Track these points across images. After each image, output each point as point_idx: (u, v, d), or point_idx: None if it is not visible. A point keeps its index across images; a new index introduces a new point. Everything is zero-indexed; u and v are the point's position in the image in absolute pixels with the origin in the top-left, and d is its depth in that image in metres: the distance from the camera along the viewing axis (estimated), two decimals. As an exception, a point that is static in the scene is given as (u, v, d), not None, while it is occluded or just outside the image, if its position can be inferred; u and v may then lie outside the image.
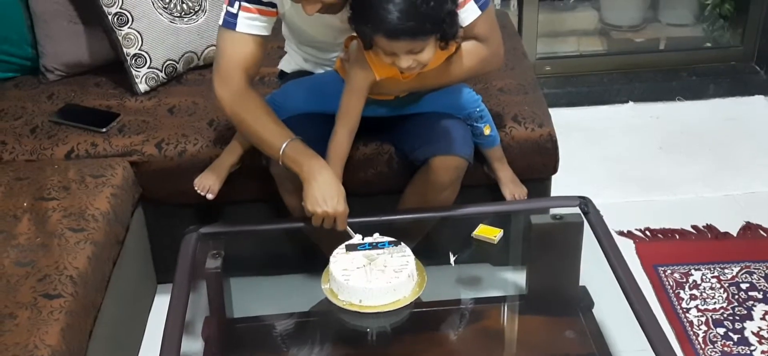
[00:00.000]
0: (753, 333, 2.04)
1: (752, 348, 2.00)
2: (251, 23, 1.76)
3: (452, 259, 1.80)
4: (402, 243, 1.71)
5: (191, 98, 2.27)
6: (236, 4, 1.75)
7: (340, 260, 1.68)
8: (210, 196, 1.95)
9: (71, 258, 1.66)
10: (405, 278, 1.64)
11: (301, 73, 2.03)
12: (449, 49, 1.76)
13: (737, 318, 2.09)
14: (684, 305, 2.14)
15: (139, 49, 2.28)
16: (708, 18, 3.56)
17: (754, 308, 2.12)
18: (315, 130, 1.83)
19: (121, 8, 2.26)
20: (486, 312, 2.00)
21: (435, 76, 1.83)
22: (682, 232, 2.44)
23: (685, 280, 2.23)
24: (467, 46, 1.82)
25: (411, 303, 1.66)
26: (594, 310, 1.89)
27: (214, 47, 2.40)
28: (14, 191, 1.88)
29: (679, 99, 3.22)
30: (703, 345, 2.01)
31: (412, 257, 1.69)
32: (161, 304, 1.98)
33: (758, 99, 3.22)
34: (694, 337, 2.04)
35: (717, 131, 3.01)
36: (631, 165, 2.80)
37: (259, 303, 1.97)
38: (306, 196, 1.73)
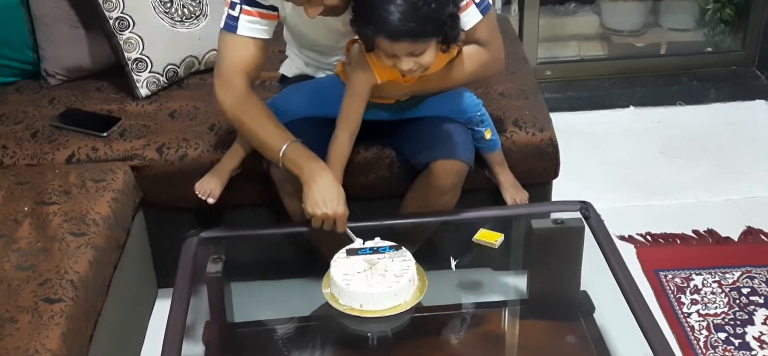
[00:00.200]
0: (754, 337, 2.04)
1: (753, 352, 2.00)
2: (252, 26, 1.76)
3: (453, 263, 1.80)
4: (403, 248, 1.71)
5: (192, 103, 2.27)
6: (237, 7, 1.75)
7: (340, 264, 1.68)
8: (211, 200, 1.95)
9: (72, 263, 1.66)
10: (406, 282, 1.64)
11: (302, 78, 2.04)
12: (451, 52, 1.76)
13: (738, 322, 2.09)
14: (685, 310, 2.14)
15: (140, 54, 2.29)
16: (709, 23, 3.57)
17: (755, 313, 2.12)
18: (316, 134, 1.83)
19: (122, 13, 2.26)
20: (487, 317, 2.00)
21: (436, 80, 1.83)
22: (683, 237, 2.43)
23: (686, 285, 2.22)
24: (468, 50, 1.82)
25: (412, 307, 1.65)
26: (595, 315, 1.89)
27: (215, 52, 2.40)
28: (15, 196, 1.89)
29: (680, 104, 3.22)
30: (704, 350, 2.01)
31: (413, 261, 1.69)
32: (162, 308, 1.98)
33: (759, 104, 3.22)
34: (695, 342, 2.03)
35: (718, 135, 3.01)
36: (632, 170, 2.80)
37: (260, 308, 1.97)
38: (306, 198, 1.74)
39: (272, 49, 2.00)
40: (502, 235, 1.82)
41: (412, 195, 1.96)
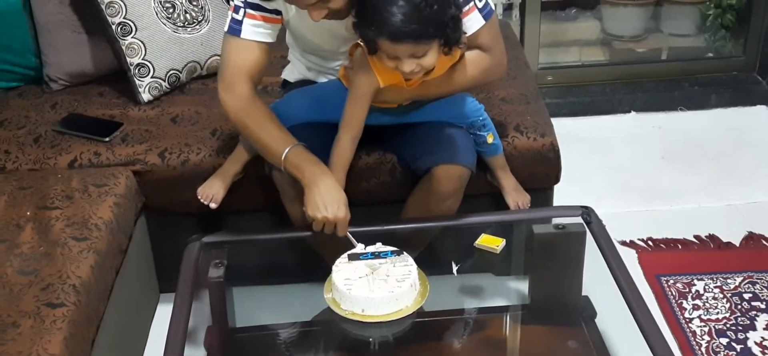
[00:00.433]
0: (756, 343, 2.04)
1: (755, 358, 2.00)
2: (256, 30, 1.77)
3: (455, 269, 1.80)
4: (404, 253, 1.71)
5: (194, 108, 2.27)
6: (241, 11, 1.76)
7: (342, 269, 1.68)
8: (213, 205, 1.95)
9: (74, 267, 1.66)
10: (407, 287, 1.64)
11: (304, 83, 2.04)
12: (453, 56, 1.77)
13: (740, 328, 2.09)
14: (687, 315, 2.14)
15: (142, 59, 2.29)
16: (710, 28, 3.57)
17: (757, 318, 2.12)
18: (318, 139, 1.83)
19: (124, 18, 2.27)
20: (488, 322, 2.00)
21: (438, 85, 1.83)
22: (685, 242, 2.43)
23: (687, 290, 2.22)
24: (471, 55, 1.83)
25: (413, 312, 1.65)
26: (596, 320, 1.89)
27: (217, 57, 2.41)
28: (17, 201, 1.89)
29: (681, 109, 3.22)
30: (706, 356, 2.01)
31: (415, 266, 1.69)
32: (164, 313, 1.98)
33: (760, 109, 3.22)
34: (697, 347, 2.03)
35: (719, 141, 3.01)
36: (633, 175, 2.80)
37: (262, 312, 1.97)
38: (307, 201, 1.74)
39: (275, 54, 2.00)
40: (504, 240, 1.82)
41: (413, 200, 1.96)
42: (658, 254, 2.39)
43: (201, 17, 2.41)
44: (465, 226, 1.92)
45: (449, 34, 1.67)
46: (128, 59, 2.29)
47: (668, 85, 3.30)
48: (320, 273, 1.74)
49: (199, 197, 1.96)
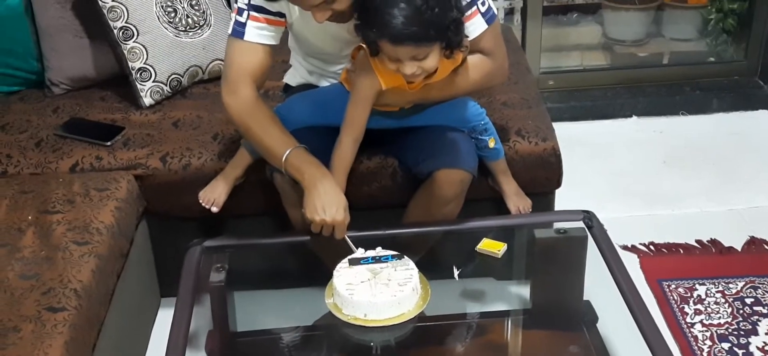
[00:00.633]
0: (758, 348, 2.03)
1: (757, 363, 2.00)
2: (259, 32, 1.77)
3: (456, 273, 1.80)
4: (405, 256, 1.71)
5: (196, 112, 2.27)
6: (245, 14, 1.76)
7: (343, 274, 1.68)
8: (215, 209, 1.96)
9: (75, 272, 1.66)
10: (409, 291, 1.64)
11: (305, 87, 2.04)
12: (455, 60, 1.77)
13: (742, 332, 2.08)
14: (688, 320, 2.13)
15: (144, 63, 2.29)
16: (711, 33, 3.57)
17: (759, 323, 2.11)
18: (319, 142, 1.83)
19: (126, 22, 2.27)
20: (490, 327, 1.99)
21: (440, 89, 1.83)
22: (687, 246, 2.43)
23: (689, 295, 2.22)
24: (473, 59, 1.83)
25: (415, 316, 1.65)
26: (598, 325, 1.89)
27: (219, 61, 2.42)
28: (19, 205, 1.89)
29: (682, 113, 3.22)
30: (707, 360, 2.00)
31: (416, 270, 1.69)
32: (165, 317, 1.98)
33: (762, 113, 3.22)
34: (698, 352, 2.03)
35: (721, 145, 3.01)
36: (634, 179, 2.80)
37: (263, 317, 1.97)
38: (306, 203, 1.74)
39: (276, 58, 2.01)
40: (505, 245, 1.82)
41: (414, 204, 1.96)
42: (659, 258, 2.39)
43: (202, 21, 2.41)
44: (466, 230, 1.91)
45: (451, 38, 1.67)
46: (130, 63, 2.29)
47: (670, 89, 3.30)
48: (321, 277, 1.74)
49: (200, 201, 1.96)
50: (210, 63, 2.42)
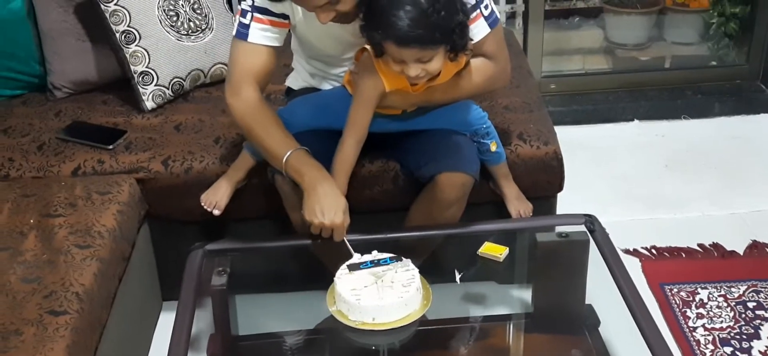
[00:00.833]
0: (760, 352, 2.03)
1: (760, 367, 1.99)
2: (263, 34, 1.78)
3: (458, 277, 1.79)
4: (403, 258, 1.71)
5: (198, 116, 2.27)
6: (249, 16, 1.77)
7: (345, 280, 1.67)
8: (216, 212, 1.96)
9: (77, 275, 1.66)
10: (414, 291, 1.64)
11: (308, 91, 2.04)
12: (459, 63, 1.77)
13: (744, 337, 2.08)
14: (691, 324, 2.13)
15: (146, 67, 2.30)
16: (713, 37, 3.57)
17: (761, 327, 2.11)
18: (321, 145, 1.83)
19: (128, 26, 2.27)
20: (492, 330, 1.99)
21: (443, 91, 1.83)
22: (689, 250, 2.43)
23: (691, 299, 2.22)
24: (476, 63, 1.83)
25: (421, 316, 1.65)
26: (600, 329, 1.88)
27: (220, 65, 2.42)
28: (21, 208, 1.89)
29: (684, 117, 3.22)
30: (710, 365, 2.00)
31: (416, 270, 1.69)
32: (166, 321, 1.98)
33: (764, 118, 3.22)
34: (701, 356, 2.03)
35: (723, 149, 3.01)
36: (636, 183, 2.80)
37: (265, 321, 1.97)
38: (305, 205, 1.74)
39: (282, 62, 2.01)
40: (507, 248, 1.82)
41: (416, 208, 1.96)
42: (661, 262, 2.38)
43: (204, 25, 2.41)
44: (468, 234, 1.91)
45: (456, 41, 1.67)
46: (132, 67, 2.29)
47: (671, 93, 3.30)
48: (323, 280, 1.73)
49: (202, 204, 1.96)
50: (212, 67, 2.42)
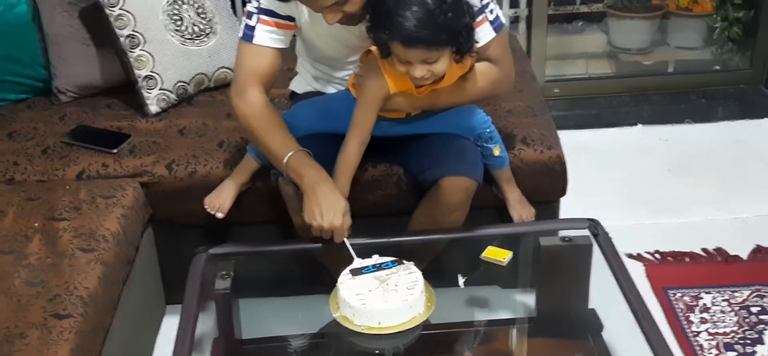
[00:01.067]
0: (764, 357, 2.03)
1: (763, 372, 1.99)
2: (269, 36, 1.78)
3: (461, 281, 1.79)
4: (405, 261, 1.71)
5: (201, 120, 2.28)
6: (254, 17, 1.78)
7: (349, 285, 1.66)
8: (220, 215, 1.96)
9: (81, 278, 1.67)
10: (419, 294, 1.63)
11: (312, 94, 2.05)
12: (464, 65, 1.77)
13: (748, 342, 2.08)
14: (694, 328, 2.13)
15: (150, 71, 2.30)
16: (717, 41, 3.57)
17: (765, 332, 2.11)
18: (324, 149, 1.84)
19: (133, 30, 2.28)
20: (495, 335, 1.99)
21: (447, 95, 1.84)
22: (692, 255, 2.43)
23: (695, 303, 2.21)
24: (480, 67, 1.84)
25: (425, 321, 1.64)
26: (603, 333, 1.88)
27: (224, 69, 2.43)
28: (25, 212, 1.90)
29: (688, 122, 3.22)
30: (713, 369, 2.00)
31: (419, 272, 1.69)
32: (170, 325, 1.98)
33: (767, 122, 3.21)
34: (704, 361, 2.02)
35: (726, 153, 3.00)
36: (640, 188, 2.80)
37: (268, 324, 1.97)
38: (304, 207, 1.75)
39: (287, 66, 2.01)
40: (511, 253, 1.81)
41: (420, 212, 1.96)
42: (665, 267, 2.38)
43: (209, 30, 2.42)
44: (471, 238, 1.91)
45: (462, 43, 1.68)
46: (136, 71, 2.30)
47: (675, 97, 3.31)
48: (326, 284, 1.73)
49: (205, 207, 1.96)
50: (216, 71, 2.43)
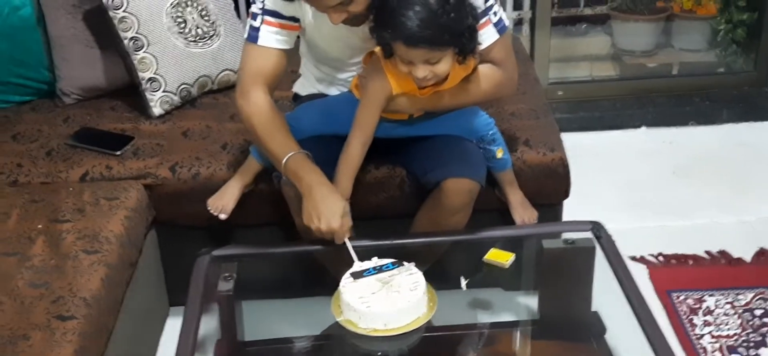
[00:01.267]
0: (768, 360, 2.03)
1: (767, 375, 1.98)
2: (273, 37, 1.79)
3: (464, 283, 1.79)
4: (405, 263, 1.71)
5: (205, 122, 2.28)
6: (259, 18, 1.78)
7: (351, 289, 1.66)
8: (223, 216, 1.96)
9: (85, 280, 1.67)
10: (421, 294, 1.64)
11: (315, 96, 2.05)
12: (467, 67, 1.77)
13: (752, 345, 2.07)
14: (697, 331, 2.12)
15: (154, 73, 2.31)
16: (721, 43, 3.57)
17: (768, 335, 2.11)
18: (327, 152, 1.84)
19: (137, 33, 2.29)
20: (498, 337, 1.99)
21: (451, 96, 1.84)
22: (696, 257, 2.42)
23: (698, 306, 2.21)
24: (483, 69, 1.84)
25: (428, 323, 1.64)
26: (606, 336, 1.88)
27: (228, 72, 2.43)
28: (29, 213, 1.90)
29: (692, 124, 3.22)
30: (717, 372, 1.99)
31: (420, 273, 1.69)
32: (173, 327, 1.98)
33: (772, 125, 3.21)
34: (708, 364, 2.02)
35: (730, 156, 3.00)
36: (643, 190, 2.79)
37: (271, 326, 1.97)
38: (303, 210, 1.75)
39: (291, 68, 2.02)
40: (513, 255, 1.81)
41: (422, 214, 1.96)
42: (668, 269, 2.38)
43: (212, 32, 2.42)
44: (474, 241, 1.91)
45: (465, 44, 1.68)
46: (140, 74, 2.30)
47: (679, 100, 3.30)
48: (329, 286, 1.74)
49: (209, 208, 1.97)
50: (219, 73, 2.44)
